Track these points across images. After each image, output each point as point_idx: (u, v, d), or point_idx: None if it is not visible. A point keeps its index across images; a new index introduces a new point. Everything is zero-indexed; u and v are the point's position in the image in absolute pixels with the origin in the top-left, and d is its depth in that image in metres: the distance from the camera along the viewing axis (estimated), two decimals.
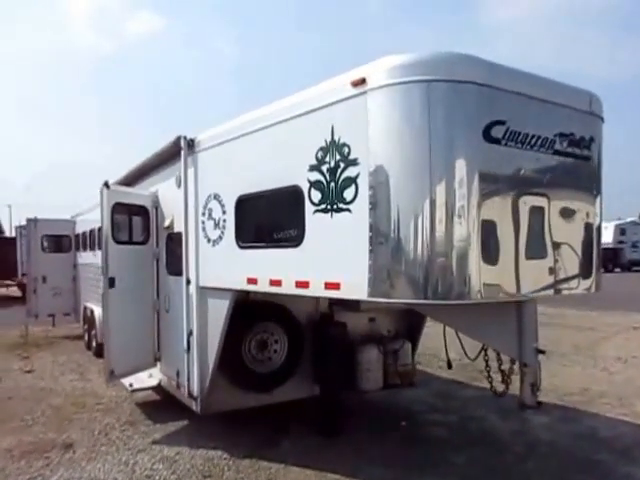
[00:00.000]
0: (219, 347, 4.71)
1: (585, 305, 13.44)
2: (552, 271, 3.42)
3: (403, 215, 3.09)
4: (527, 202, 3.28)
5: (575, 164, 3.55)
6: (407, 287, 3.08)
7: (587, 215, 3.61)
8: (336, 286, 3.36)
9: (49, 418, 5.91)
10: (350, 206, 3.28)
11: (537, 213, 3.35)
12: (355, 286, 3.21)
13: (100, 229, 9.00)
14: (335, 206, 3.39)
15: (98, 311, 9.11)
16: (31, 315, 11.35)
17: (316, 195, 3.55)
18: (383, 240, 3.10)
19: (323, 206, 3.48)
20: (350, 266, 3.25)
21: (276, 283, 3.89)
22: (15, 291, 21.00)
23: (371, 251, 3.12)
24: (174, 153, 5.29)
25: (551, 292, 3.44)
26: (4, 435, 5.37)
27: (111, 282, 5.27)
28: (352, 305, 5.20)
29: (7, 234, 36.40)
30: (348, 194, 3.29)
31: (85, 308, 10.12)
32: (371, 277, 3.11)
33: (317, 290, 3.53)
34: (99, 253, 9.19)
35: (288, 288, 3.79)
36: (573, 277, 3.50)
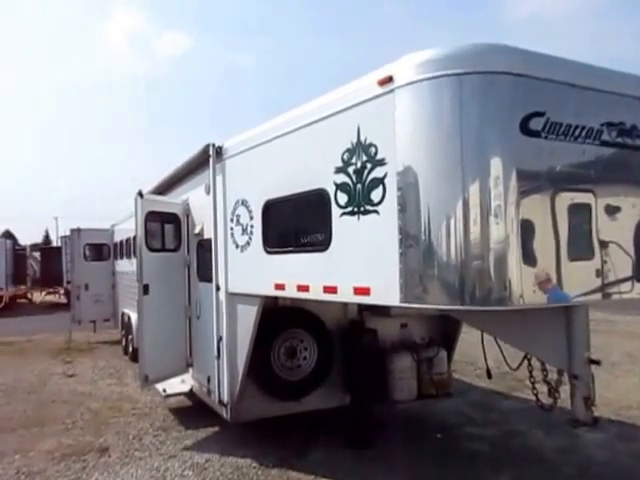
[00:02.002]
0: (248, 354, 4.64)
1: (635, 310, 12.58)
2: (599, 273, 3.14)
3: (434, 216, 2.91)
4: (571, 199, 3.03)
5: (626, 155, 3.26)
6: (442, 292, 2.90)
7: None
8: (366, 291, 3.21)
9: (87, 422, 6.05)
10: (378, 208, 3.14)
11: (582, 210, 3.10)
12: (386, 291, 3.06)
13: (135, 237, 9.29)
14: (362, 208, 3.25)
15: (134, 317, 9.31)
16: (75, 321, 11.78)
17: (342, 197, 3.42)
18: (413, 243, 2.94)
19: (350, 209, 3.35)
20: (380, 270, 3.10)
21: (304, 289, 3.79)
22: (61, 298, 21.93)
23: (401, 254, 2.96)
24: (203, 161, 5.31)
25: (599, 297, 3.15)
26: (47, 437, 5.54)
27: (145, 289, 5.32)
28: (383, 311, 5.03)
29: (54, 244, 38.20)
30: (375, 195, 3.15)
31: (122, 314, 10.37)
32: (403, 282, 2.94)
33: (346, 295, 3.40)
34: (134, 261, 9.46)
35: (316, 294, 3.68)
36: (625, 280, 3.20)
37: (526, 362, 3.48)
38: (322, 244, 3.61)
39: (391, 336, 5.41)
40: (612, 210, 3.20)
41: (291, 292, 3.93)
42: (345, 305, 5.18)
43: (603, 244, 3.14)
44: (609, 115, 3.22)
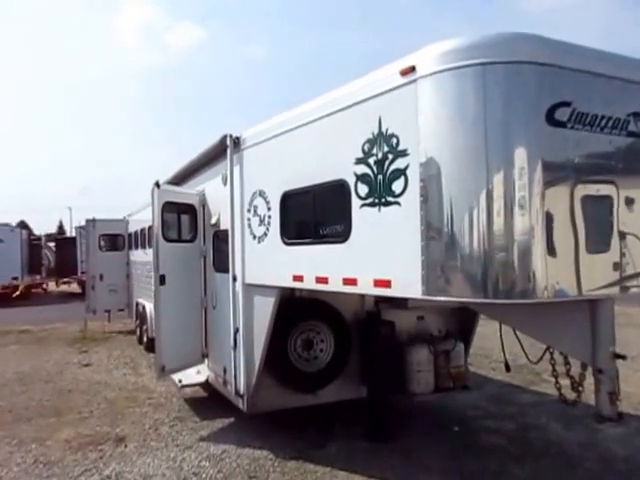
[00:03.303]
0: (265, 345, 4.65)
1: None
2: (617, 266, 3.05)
3: (457, 207, 2.87)
4: (597, 190, 2.97)
5: None
6: (465, 285, 2.86)
7: None
8: (386, 283, 3.19)
9: (104, 411, 6.12)
10: (399, 199, 3.10)
11: (607, 202, 3.03)
12: (407, 283, 3.03)
13: (150, 228, 9.34)
14: (383, 199, 3.22)
15: (149, 307, 9.39)
16: (90, 311, 11.93)
17: (363, 189, 3.39)
18: (436, 235, 2.90)
19: (370, 200, 3.33)
20: (401, 262, 3.08)
21: (322, 280, 3.77)
22: (76, 288, 22.23)
23: (424, 246, 2.93)
24: (220, 151, 5.30)
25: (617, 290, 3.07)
26: (64, 427, 5.61)
27: (162, 279, 5.35)
28: (400, 303, 5.00)
29: (68, 234, 38.63)
30: (397, 187, 3.12)
31: (137, 304, 10.47)
32: (424, 274, 2.91)
33: (366, 288, 3.38)
34: (150, 251, 9.51)
35: (335, 286, 3.66)
36: None
37: (548, 356, 3.43)
38: (341, 235, 3.59)
39: (408, 328, 5.39)
40: (633, 202, 3.13)
41: (310, 284, 3.93)
42: (362, 297, 5.16)
43: (627, 237, 3.07)
44: (636, 105, 3.14)
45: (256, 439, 5.01)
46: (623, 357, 2.99)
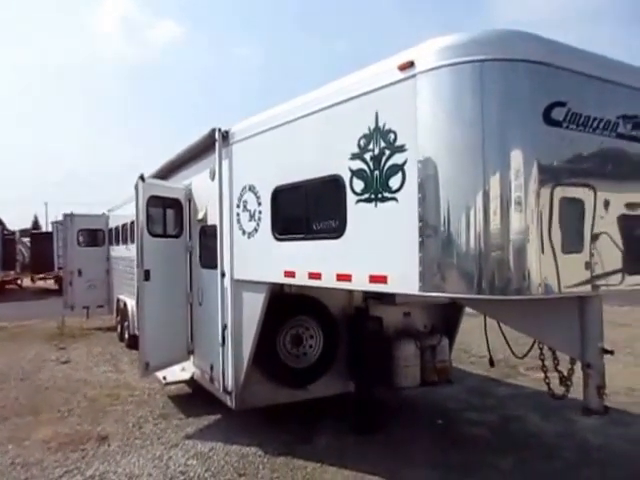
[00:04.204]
0: (254, 341, 4.62)
1: (612, 300, 12.76)
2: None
3: (454, 204, 2.89)
4: (587, 190, 3.03)
5: (638, 148, 3.27)
6: (461, 281, 2.89)
7: None
8: (382, 279, 3.19)
9: (84, 409, 5.97)
10: (397, 195, 3.10)
11: (587, 202, 3.08)
12: (404, 280, 3.04)
13: (133, 223, 9.15)
14: (380, 195, 3.22)
15: (131, 303, 9.22)
16: (67, 307, 11.65)
17: (358, 184, 3.38)
18: (433, 231, 2.92)
19: (366, 195, 3.32)
20: (398, 259, 3.08)
21: (315, 276, 3.75)
22: (52, 284, 21.65)
23: (421, 243, 2.94)
24: (208, 145, 5.22)
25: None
26: (41, 426, 5.44)
27: (146, 275, 5.24)
28: (388, 299, 5.02)
29: (44, 229, 37.60)
30: (394, 182, 3.12)
31: (118, 300, 10.26)
32: (422, 270, 2.93)
33: (360, 283, 3.38)
34: (132, 247, 9.33)
35: (328, 281, 3.65)
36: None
37: (535, 352, 3.50)
38: (336, 231, 3.57)
39: (395, 324, 5.44)
40: (628, 202, 3.21)
41: (302, 280, 3.90)
42: (350, 292, 5.17)
43: (626, 236, 3.14)
44: (625, 108, 3.22)
45: (243, 435, 4.97)
46: (611, 352, 3.07)
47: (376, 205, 3.24)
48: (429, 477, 4.15)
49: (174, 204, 5.87)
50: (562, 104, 2.89)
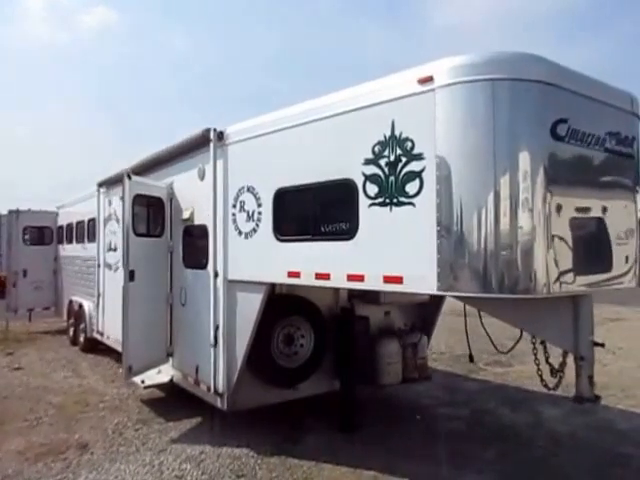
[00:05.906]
0: (249, 342, 4.61)
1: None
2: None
3: (467, 209, 3.11)
4: (585, 199, 3.37)
5: (621, 161, 3.67)
6: (473, 281, 3.10)
7: (632, 211, 3.74)
8: (397, 280, 3.34)
9: (54, 417, 5.65)
10: (413, 200, 3.27)
11: (593, 211, 3.45)
12: (421, 280, 3.21)
13: (92, 220, 8.71)
14: (395, 200, 3.37)
15: (88, 305, 8.78)
16: (10, 310, 10.81)
17: (372, 189, 3.51)
18: (450, 234, 3.11)
19: (380, 200, 3.46)
20: (415, 260, 3.25)
21: (323, 276, 3.84)
22: None
23: (439, 245, 3.12)
24: (197, 145, 5.14)
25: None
26: (11, 436, 5.10)
27: (131, 275, 5.06)
28: (372, 298, 5.20)
29: None
30: (411, 188, 3.28)
31: (71, 302, 9.69)
32: (440, 271, 3.11)
33: (374, 284, 3.50)
34: (89, 245, 8.88)
35: (338, 282, 3.75)
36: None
37: (532, 346, 3.80)
38: (347, 233, 3.68)
39: (378, 323, 5.63)
40: (617, 210, 3.59)
41: (308, 280, 3.96)
42: (336, 292, 5.29)
43: (617, 242, 3.53)
44: (611, 125, 3.60)
45: (231, 437, 4.93)
46: (602, 345, 3.42)
47: (391, 209, 3.39)
48: (424, 469, 4.33)
49: (156, 203, 5.70)
50: (565, 121, 3.20)
